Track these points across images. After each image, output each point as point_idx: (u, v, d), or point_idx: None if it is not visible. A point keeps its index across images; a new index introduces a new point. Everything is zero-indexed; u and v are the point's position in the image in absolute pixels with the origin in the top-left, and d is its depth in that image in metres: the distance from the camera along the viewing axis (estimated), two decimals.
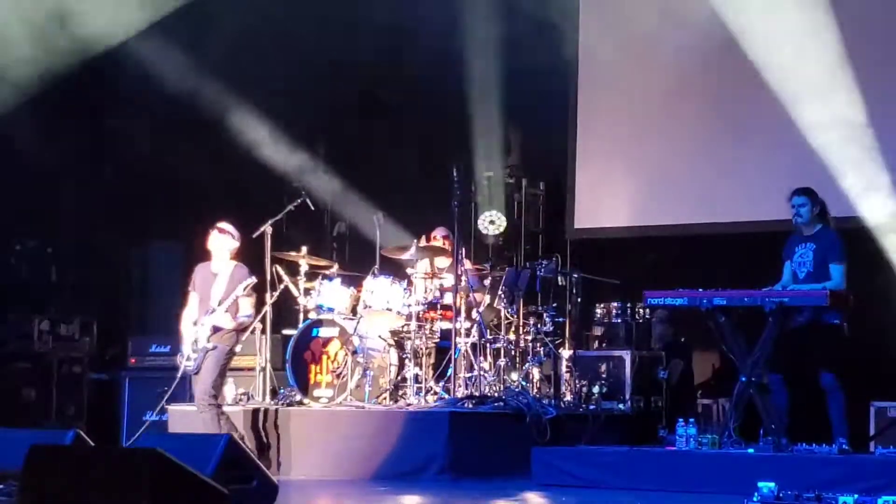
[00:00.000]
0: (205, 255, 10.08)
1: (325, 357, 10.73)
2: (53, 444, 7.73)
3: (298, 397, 10.64)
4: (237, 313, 9.76)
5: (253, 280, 9.80)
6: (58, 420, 10.34)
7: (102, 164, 13.46)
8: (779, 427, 8.98)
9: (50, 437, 8.54)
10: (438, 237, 11.38)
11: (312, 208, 11.86)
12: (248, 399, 10.91)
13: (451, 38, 12.64)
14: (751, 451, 8.83)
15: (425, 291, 11.04)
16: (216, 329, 9.72)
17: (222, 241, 9.96)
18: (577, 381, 11.03)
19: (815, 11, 11.48)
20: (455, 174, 11.07)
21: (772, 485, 6.90)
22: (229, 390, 11.03)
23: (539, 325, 11.02)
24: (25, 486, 6.26)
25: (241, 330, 9.90)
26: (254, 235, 11.16)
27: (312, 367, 10.73)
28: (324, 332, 10.79)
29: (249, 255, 11.33)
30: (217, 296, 9.78)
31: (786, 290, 9.20)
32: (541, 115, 13.00)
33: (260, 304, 10.97)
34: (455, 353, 10.60)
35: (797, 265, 9.37)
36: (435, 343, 10.84)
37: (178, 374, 9.88)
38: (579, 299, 11.59)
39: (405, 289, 10.88)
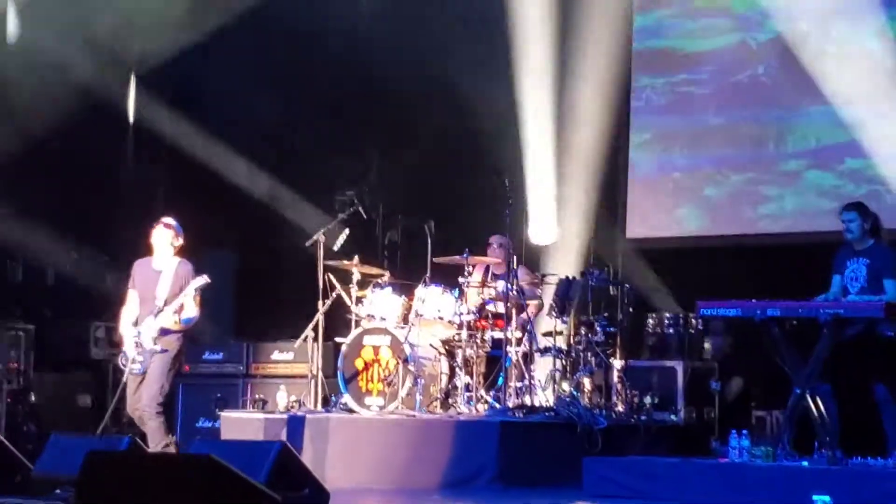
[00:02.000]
0: (149, 251, 9.83)
1: (376, 365, 10.75)
2: (109, 450, 7.82)
3: (349, 405, 10.67)
4: (182, 314, 9.54)
5: (206, 281, 9.55)
6: (113, 426, 10.42)
7: (156, 172, 13.58)
8: (834, 439, 8.93)
9: (106, 444, 8.65)
10: (494, 244, 11.39)
11: (365, 217, 11.90)
12: (300, 406, 10.95)
13: (500, 44, 12.69)
14: (805, 463, 8.73)
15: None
16: (164, 331, 9.52)
17: (167, 236, 9.71)
18: (628, 392, 10.98)
19: (876, 21, 11.48)
20: (507, 183, 11.10)
21: (826, 498, 6.88)
22: (281, 397, 11.11)
23: (590, 335, 10.99)
24: (82, 491, 6.33)
25: (186, 331, 9.68)
26: (307, 244, 11.24)
27: (363, 375, 10.75)
28: (375, 340, 10.81)
29: (302, 264, 11.42)
30: (162, 295, 9.54)
31: (841, 302, 9.14)
32: (593, 124, 13.01)
33: (312, 312, 11.04)
34: (506, 363, 10.60)
35: (849, 280, 9.30)
36: (486, 352, 10.83)
37: (124, 378, 9.63)
38: (631, 309, 11.56)
39: (457, 297, 10.90)
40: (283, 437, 9.81)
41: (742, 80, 12.42)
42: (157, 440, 9.46)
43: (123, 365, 9.62)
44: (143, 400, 9.51)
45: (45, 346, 12.79)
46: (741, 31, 12.43)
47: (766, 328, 9.15)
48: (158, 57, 12.68)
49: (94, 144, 12.97)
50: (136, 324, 9.62)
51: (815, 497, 6.87)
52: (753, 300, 9.20)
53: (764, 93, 12.32)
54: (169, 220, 9.85)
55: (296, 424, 10.25)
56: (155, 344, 9.48)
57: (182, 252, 9.84)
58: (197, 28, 12.65)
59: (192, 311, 9.60)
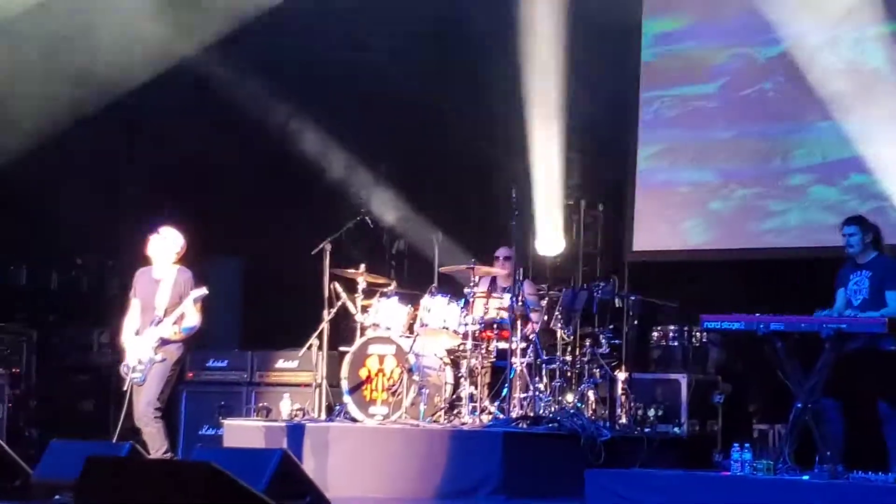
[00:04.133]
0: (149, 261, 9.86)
1: (381, 374, 10.75)
2: (109, 455, 7.83)
3: (352, 414, 10.66)
4: (182, 323, 9.55)
5: (204, 292, 9.55)
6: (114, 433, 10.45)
7: (160, 180, 13.56)
8: (835, 454, 8.89)
9: (106, 449, 8.65)
10: (500, 257, 11.39)
11: (372, 226, 11.91)
12: (304, 415, 10.95)
13: (513, 59, 12.68)
14: (806, 477, 8.72)
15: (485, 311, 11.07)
16: (164, 341, 9.51)
17: (162, 246, 9.71)
18: (632, 404, 10.95)
19: (882, 38, 11.47)
20: (514, 195, 11.10)
21: None
22: (285, 406, 11.11)
23: (595, 347, 10.97)
24: (80, 496, 6.33)
25: (187, 339, 9.69)
26: (313, 252, 11.25)
27: (368, 384, 10.75)
28: (380, 349, 10.81)
29: (309, 272, 11.43)
30: (162, 304, 9.54)
31: (844, 317, 9.12)
32: (601, 136, 13.01)
33: (317, 320, 11.05)
34: (510, 374, 10.59)
35: (852, 293, 9.31)
36: (491, 362, 10.85)
37: (125, 387, 9.61)
38: (636, 322, 11.55)
39: (462, 308, 10.90)
40: (285, 445, 9.81)
41: (750, 94, 12.44)
42: (157, 445, 9.48)
43: (125, 374, 9.62)
44: (140, 406, 9.52)
45: (47, 351, 12.84)
46: (749, 46, 12.44)
47: (769, 342, 9.14)
48: (169, 59, 12.60)
49: (98, 148, 12.98)
50: (137, 333, 9.64)
51: None
52: (757, 314, 9.20)
53: (771, 108, 12.33)
54: (165, 229, 9.83)
55: (297, 433, 10.26)
56: (155, 353, 9.50)
57: (183, 259, 9.83)
58: (210, 31, 12.57)
59: (192, 319, 9.61)
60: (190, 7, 11.98)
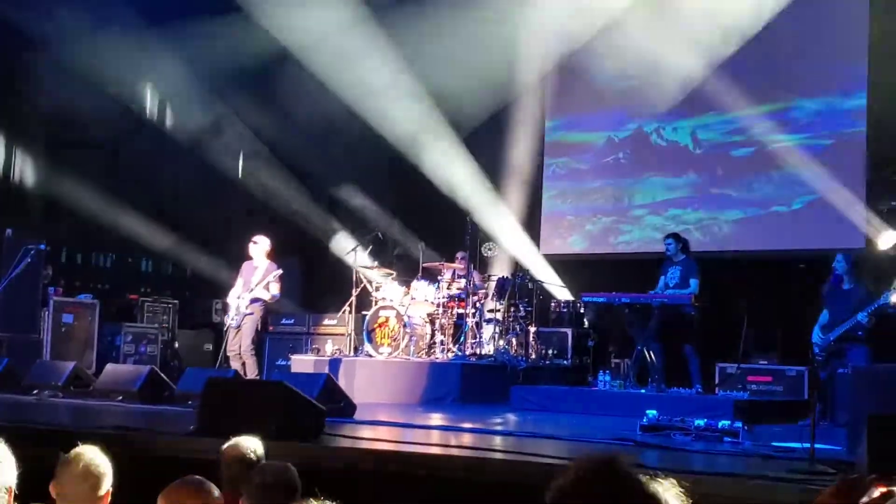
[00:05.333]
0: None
1: (386, 328, 10.72)
2: (221, 377, 7.82)
3: (369, 352, 10.66)
4: (269, 290, 9.60)
5: (280, 272, 9.62)
6: (224, 364, 10.39)
7: (253, 213, 13.40)
8: (659, 377, 8.96)
9: (219, 373, 8.63)
10: (459, 257, 11.40)
11: (382, 239, 11.89)
12: (340, 353, 10.93)
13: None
14: (643, 391, 8.81)
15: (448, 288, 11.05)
16: (254, 300, 9.57)
17: (257, 248, 9.80)
18: (539, 346, 10.99)
19: (685, 125, 11.44)
20: (468, 220, 11.13)
21: (654, 412, 6.89)
22: (328, 347, 11.06)
23: (516, 312, 10.98)
24: (204, 402, 6.33)
25: (269, 302, 9.73)
26: (346, 254, 11.22)
27: (379, 333, 10.73)
28: (386, 313, 10.79)
29: (344, 266, 11.37)
30: (255, 281, 9.65)
31: (665, 294, 9.22)
32: (522, 185, 12.98)
33: (349, 295, 11.01)
34: (465, 328, 10.60)
35: (669, 279, 9.39)
36: (453, 321, 10.82)
37: (225, 328, 9.72)
38: (541, 296, 11.57)
39: (436, 288, 10.90)
40: (327, 371, 9.78)
41: (609, 161, 12.44)
42: (251, 371, 9.52)
43: (227, 322, 9.72)
44: (242, 346, 9.54)
45: (184, 314, 12.76)
46: (608, 131, 12.47)
47: (621, 309, 9.21)
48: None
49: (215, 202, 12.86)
50: (238, 297, 9.71)
51: (647, 411, 6.87)
52: (614, 292, 9.25)
53: (622, 169, 12.33)
54: (257, 237, 9.89)
55: (335, 364, 10.23)
56: (246, 309, 9.55)
57: (270, 255, 9.90)
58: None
59: (274, 289, 9.64)
60: None
